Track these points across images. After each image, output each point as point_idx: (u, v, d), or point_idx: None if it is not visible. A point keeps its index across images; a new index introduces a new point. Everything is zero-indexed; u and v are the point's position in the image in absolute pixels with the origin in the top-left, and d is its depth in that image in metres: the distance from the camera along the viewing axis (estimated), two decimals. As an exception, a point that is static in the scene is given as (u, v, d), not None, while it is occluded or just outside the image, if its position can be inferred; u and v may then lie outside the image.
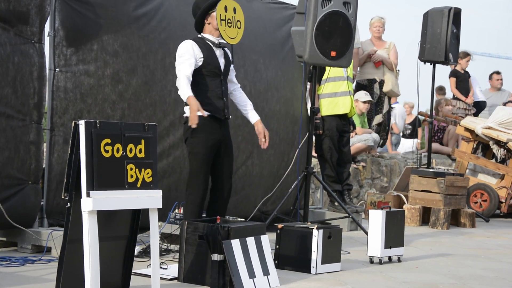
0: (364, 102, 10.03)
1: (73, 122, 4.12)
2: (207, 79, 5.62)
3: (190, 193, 5.62)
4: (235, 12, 5.76)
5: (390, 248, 6.09)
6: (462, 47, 11.02)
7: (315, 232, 5.49)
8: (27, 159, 5.77)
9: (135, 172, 4.19)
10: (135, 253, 5.22)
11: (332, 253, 5.60)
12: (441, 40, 9.09)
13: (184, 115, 5.69)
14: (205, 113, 5.48)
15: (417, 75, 9.26)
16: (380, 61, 10.55)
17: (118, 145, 4.14)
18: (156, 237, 4.33)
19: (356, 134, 10.05)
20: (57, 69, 5.98)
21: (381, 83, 10.62)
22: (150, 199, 4.26)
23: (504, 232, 8.78)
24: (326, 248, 5.53)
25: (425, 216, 8.95)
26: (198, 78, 5.61)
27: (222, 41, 5.73)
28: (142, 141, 4.25)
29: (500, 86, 13.36)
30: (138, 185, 4.20)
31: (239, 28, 5.79)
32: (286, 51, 7.88)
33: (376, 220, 5.99)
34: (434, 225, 8.75)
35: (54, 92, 5.97)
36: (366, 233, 6.27)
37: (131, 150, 4.19)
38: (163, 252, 5.89)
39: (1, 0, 5.61)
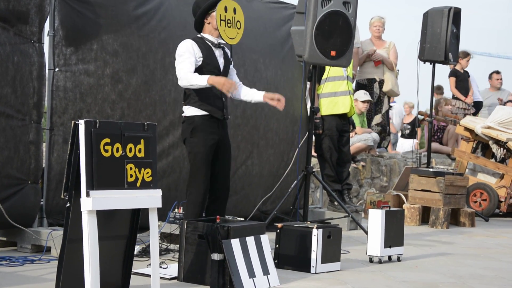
0: (363, 101, 10.03)
1: (73, 121, 4.12)
2: (206, 79, 5.62)
3: (191, 193, 5.62)
4: (235, 13, 5.76)
5: (390, 247, 6.09)
6: (462, 47, 11.04)
7: (314, 231, 5.49)
8: (26, 159, 5.77)
9: (134, 171, 4.19)
10: (135, 252, 5.22)
11: (331, 253, 5.60)
12: (441, 39, 9.09)
13: (183, 114, 5.69)
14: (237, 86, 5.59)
15: (417, 74, 9.27)
16: (380, 60, 10.56)
17: (117, 145, 4.14)
18: (156, 236, 4.33)
19: (355, 133, 10.05)
20: (57, 69, 5.97)
21: (381, 82, 10.63)
22: (150, 199, 4.26)
23: (504, 231, 8.78)
24: (325, 247, 5.53)
25: (425, 216, 8.95)
26: (197, 78, 5.61)
27: (222, 41, 5.72)
28: (142, 140, 4.25)
29: (500, 86, 13.37)
30: (138, 184, 4.20)
31: (238, 29, 5.79)
32: (286, 50, 7.88)
33: (375, 219, 5.99)
34: (433, 224, 8.75)
35: (53, 91, 5.97)
36: (366, 232, 6.27)
37: (130, 150, 4.19)
38: (163, 252, 5.89)
39: (0, 0, 5.61)
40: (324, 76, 8.12)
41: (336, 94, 8.20)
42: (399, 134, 14.85)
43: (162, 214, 5.86)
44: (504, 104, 12.59)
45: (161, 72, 6.62)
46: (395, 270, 5.81)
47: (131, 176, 4.17)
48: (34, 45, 5.82)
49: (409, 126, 14.56)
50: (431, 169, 9.07)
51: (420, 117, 10.88)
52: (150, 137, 4.30)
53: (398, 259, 6.21)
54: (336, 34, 6.69)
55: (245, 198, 7.49)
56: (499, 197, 9.97)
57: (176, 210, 6.09)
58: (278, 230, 5.65)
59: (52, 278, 4.46)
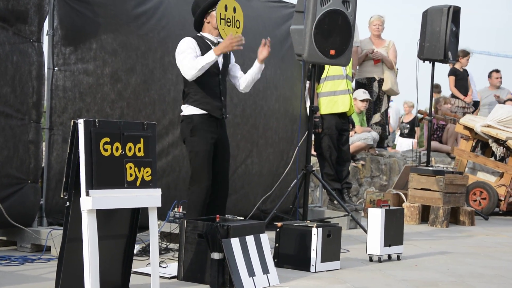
0: (362, 100, 10.03)
1: (72, 121, 4.12)
2: (205, 78, 5.61)
3: (193, 191, 5.61)
4: (234, 12, 5.76)
5: (390, 246, 6.09)
6: (462, 46, 11.04)
7: (314, 230, 5.49)
8: (26, 158, 5.77)
9: (134, 171, 4.19)
10: (135, 251, 5.21)
11: (331, 251, 5.60)
12: (440, 38, 9.09)
13: (181, 113, 5.69)
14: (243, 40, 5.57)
15: (416, 73, 9.26)
16: (379, 59, 10.55)
17: (117, 144, 4.14)
18: (156, 235, 4.33)
19: (355, 132, 10.05)
20: (56, 68, 5.97)
21: (380, 81, 10.63)
22: (149, 198, 4.26)
23: (503, 230, 8.78)
24: (325, 246, 5.53)
25: (424, 214, 8.95)
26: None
27: (221, 40, 5.72)
28: (141, 140, 4.25)
29: (500, 85, 13.37)
30: (138, 184, 4.20)
31: (238, 28, 5.79)
32: (285, 49, 7.88)
33: (375, 218, 5.99)
34: (433, 223, 8.75)
35: (53, 91, 5.97)
36: (366, 231, 6.28)
37: (130, 149, 4.19)
38: (163, 251, 5.89)
39: (0, -1, 5.62)
40: (323, 75, 8.12)
41: (336, 93, 8.20)
42: (398, 133, 14.86)
43: (162, 213, 5.85)
44: (504, 102, 12.59)
45: (160, 71, 6.62)
46: (394, 269, 5.81)
47: (131, 175, 4.17)
48: (33, 44, 5.82)
49: (408, 125, 14.57)
50: (430, 168, 9.07)
51: (420, 115, 10.88)
52: (150, 136, 4.30)
53: (398, 258, 6.21)
54: (335, 33, 6.69)
55: (244, 197, 7.49)
56: (498, 195, 9.97)
57: (175, 209, 6.09)
58: (278, 229, 5.65)
59: (52, 277, 4.46)
